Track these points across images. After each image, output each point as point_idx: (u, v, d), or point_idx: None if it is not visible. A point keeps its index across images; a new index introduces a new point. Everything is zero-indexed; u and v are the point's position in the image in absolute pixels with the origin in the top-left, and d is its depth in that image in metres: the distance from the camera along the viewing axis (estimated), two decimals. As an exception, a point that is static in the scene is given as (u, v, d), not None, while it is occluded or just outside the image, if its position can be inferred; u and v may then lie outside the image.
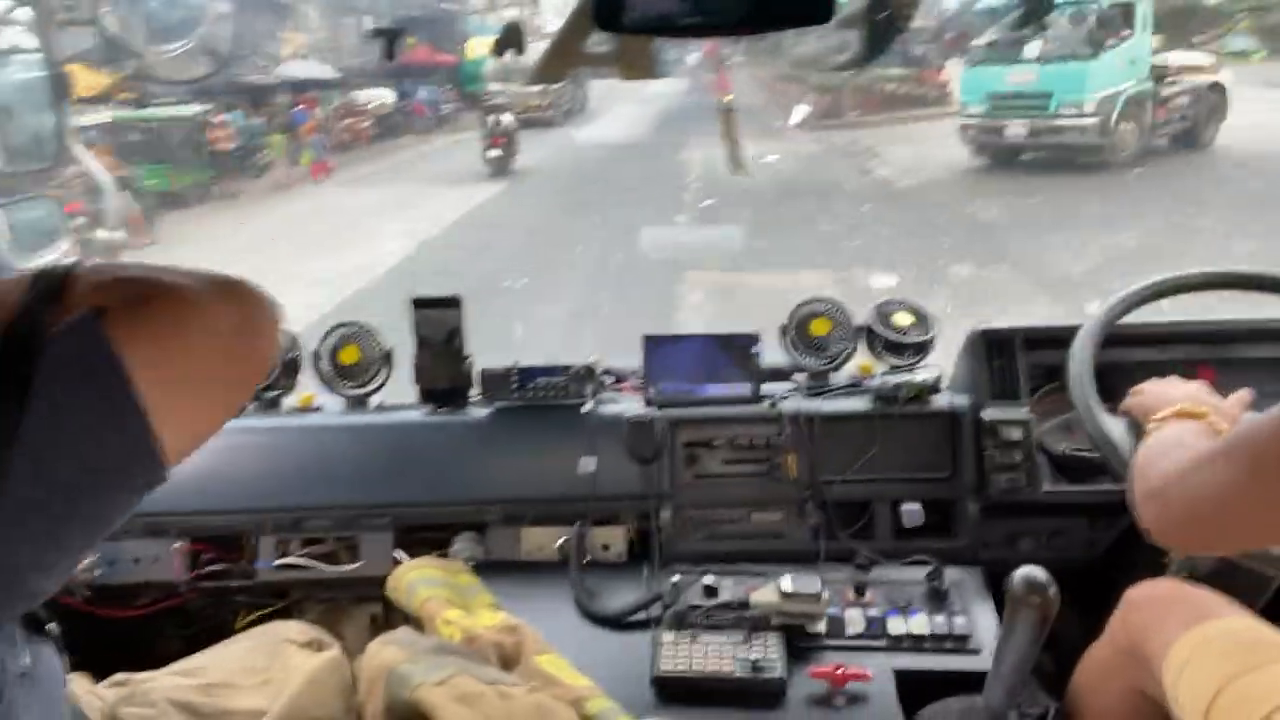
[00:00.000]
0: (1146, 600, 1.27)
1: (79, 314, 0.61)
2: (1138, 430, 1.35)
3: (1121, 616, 1.29)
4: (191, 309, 0.66)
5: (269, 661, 1.28)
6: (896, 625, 1.46)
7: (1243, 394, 1.32)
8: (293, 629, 1.39)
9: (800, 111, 16.67)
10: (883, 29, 1.26)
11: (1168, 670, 1.13)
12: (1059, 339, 1.53)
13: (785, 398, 1.75)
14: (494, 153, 13.42)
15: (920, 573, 1.56)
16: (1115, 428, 1.38)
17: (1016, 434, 1.65)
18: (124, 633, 1.79)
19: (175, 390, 0.64)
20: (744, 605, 1.45)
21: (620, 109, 22.13)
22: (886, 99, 16.85)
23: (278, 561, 1.75)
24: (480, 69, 19.92)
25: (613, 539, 1.72)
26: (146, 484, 0.64)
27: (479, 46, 21.24)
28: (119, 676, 1.18)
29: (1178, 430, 1.17)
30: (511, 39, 1.28)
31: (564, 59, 1.28)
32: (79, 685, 1.13)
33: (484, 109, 13.90)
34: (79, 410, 0.60)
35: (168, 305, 0.65)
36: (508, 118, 13.55)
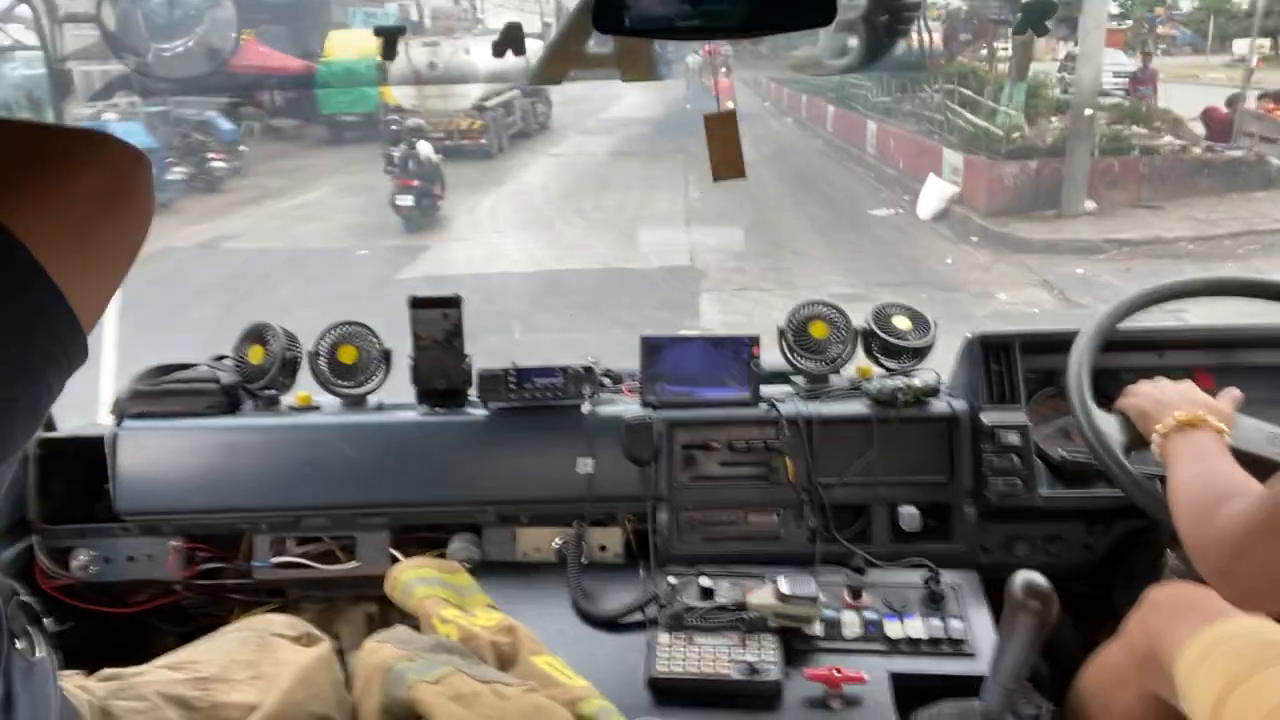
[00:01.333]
0: (1162, 601, 1.27)
1: None
2: (1132, 432, 1.35)
3: (1139, 617, 1.29)
4: (69, 168, 0.64)
5: (259, 655, 1.28)
6: (893, 628, 1.46)
7: (1232, 392, 1.34)
8: (281, 622, 1.39)
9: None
10: (882, 33, 1.26)
11: (1180, 670, 1.13)
12: (1057, 344, 1.53)
13: (783, 400, 1.75)
14: (405, 199, 9.91)
15: (917, 576, 1.56)
16: (1108, 425, 1.38)
17: (1014, 438, 1.65)
18: (119, 630, 1.79)
19: (70, 253, 0.62)
20: (741, 607, 1.45)
21: (599, 120, 18.87)
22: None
23: (274, 560, 1.75)
24: (357, 76, 13.96)
25: (610, 540, 1.72)
26: (69, 358, 0.62)
27: (348, 44, 14.06)
28: (108, 671, 1.18)
29: (1200, 453, 1.21)
30: (511, 39, 1.27)
31: (564, 60, 1.28)
32: (70, 680, 1.13)
33: (389, 136, 10.70)
34: None
35: (48, 168, 0.63)
36: (425, 148, 10.16)
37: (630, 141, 16.63)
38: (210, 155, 12.34)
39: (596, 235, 10.09)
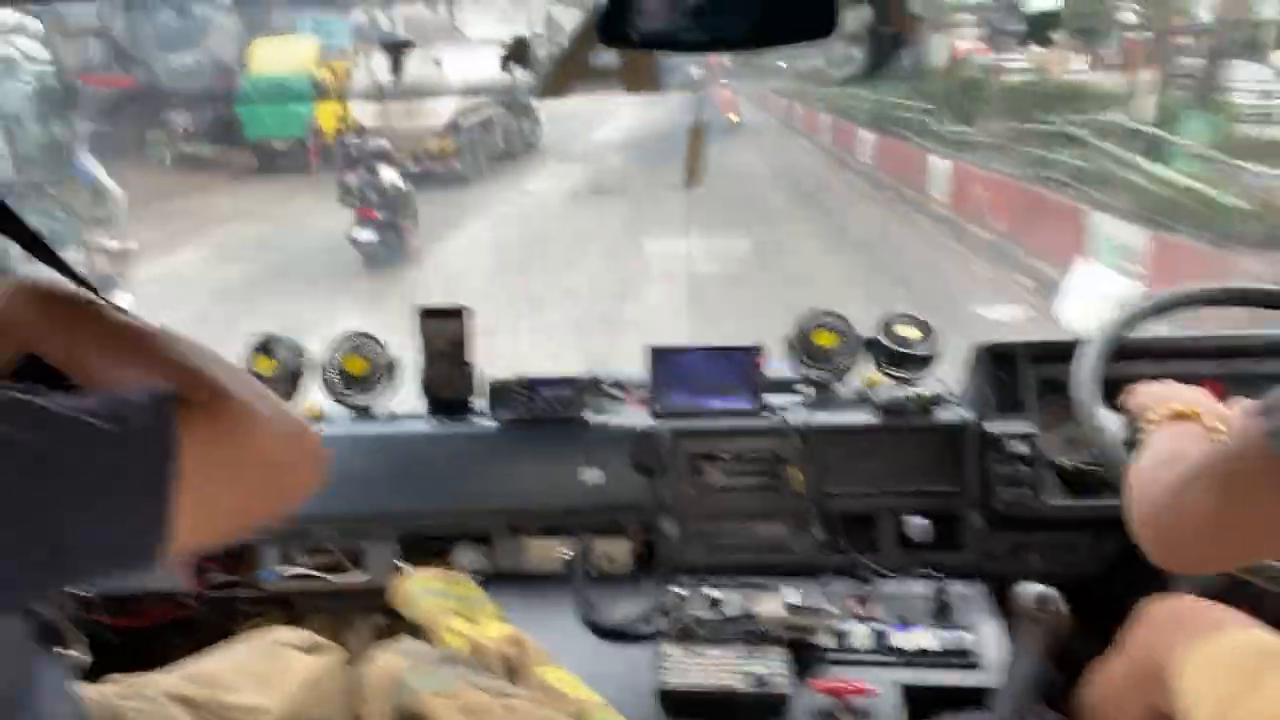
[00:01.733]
0: (1160, 615, 1.26)
1: (160, 392, 0.62)
2: (1134, 429, 1.34)
3: (1136, 631, 1.28)
4: (256, 434, 0.68)
5: (268, 664, 1.28)
6: (901, 639, 1.46)
7: (1244, 404, 1.32)
8: (291, 634, 1.39)
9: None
10: (886, 44, 1.27)
11: (1180, 683, 1.13)
12: (1064, 353, 1.53)
13: (790, 410, 1.75)
14: (365, 233, 8.54)
15: (925, 586, 1.55)
16: (1112, 425, 1.37)
17: (1022, 447, 1.64)
18: (129, 643, 1.80)
19: (207, 503, 0.64)
20: (748, 618, 1.45)
21: (591, 142, 17.34)
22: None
23: (282, 572, 1.76)
24: (287, 92, 12.36)
25: (617, 551, 1.72)
26: (127, 568, 0.63)
27: (279, 55, 12.59)
28: (115, 676, 1.18)
29: (1175, 436, 1.16)
30: (519, 53, 1.28)
31: (569, 73, 1.29)
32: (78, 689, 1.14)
33: (344, 160, 9.06)
34: (112, 481, 0.60)
35: (238, 422, 0.66)
36: (389, 174, 8.79)
37: (621, 172, 14.17)
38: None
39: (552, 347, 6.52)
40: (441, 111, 12.55)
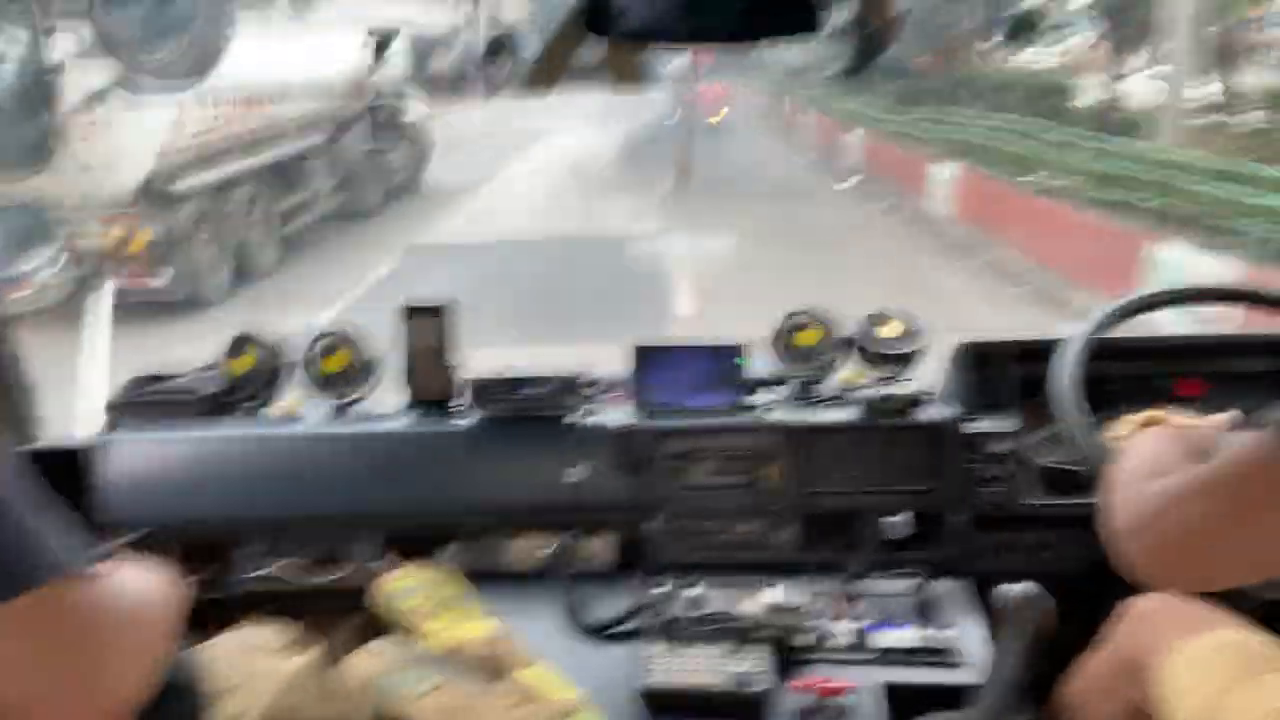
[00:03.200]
0: (1143, 612, 1.27)
1: None
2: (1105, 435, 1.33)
3: (1120, 628, 1.29)
4: None
5: (246, 664, 1.27)
6: (884, 638, 1.46)
7: (1232, 415, 1.31)
8: (268, 633, 1.38)
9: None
10: (872, 41, 1.26)
11: (1163, 682, 1.13)
12: (1046, 352, 1.53)
13: (773, 408, 1.75)
14: None
15: (908, 584, 1.55)
16: (1096, 431, 1.38)
17: (1004, 446, 1.65)
18: None
19: None
20: (730, 617, 1.45)
21: (518, 171, 13.15)
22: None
23: (262, 571, 1.74)
24: None
25: (600, 549, 1.71)
26: None
27: None
28: None
29: (1152, 441, 1.14)
30: (500, 48, 1.27)
31: (553, 69, 1.28)
32: None
33: None
34: None
35: None
36: None
37: (552, 247, 9.38)
38: None
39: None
40: (137, 156, 6.23)
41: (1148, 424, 1.21)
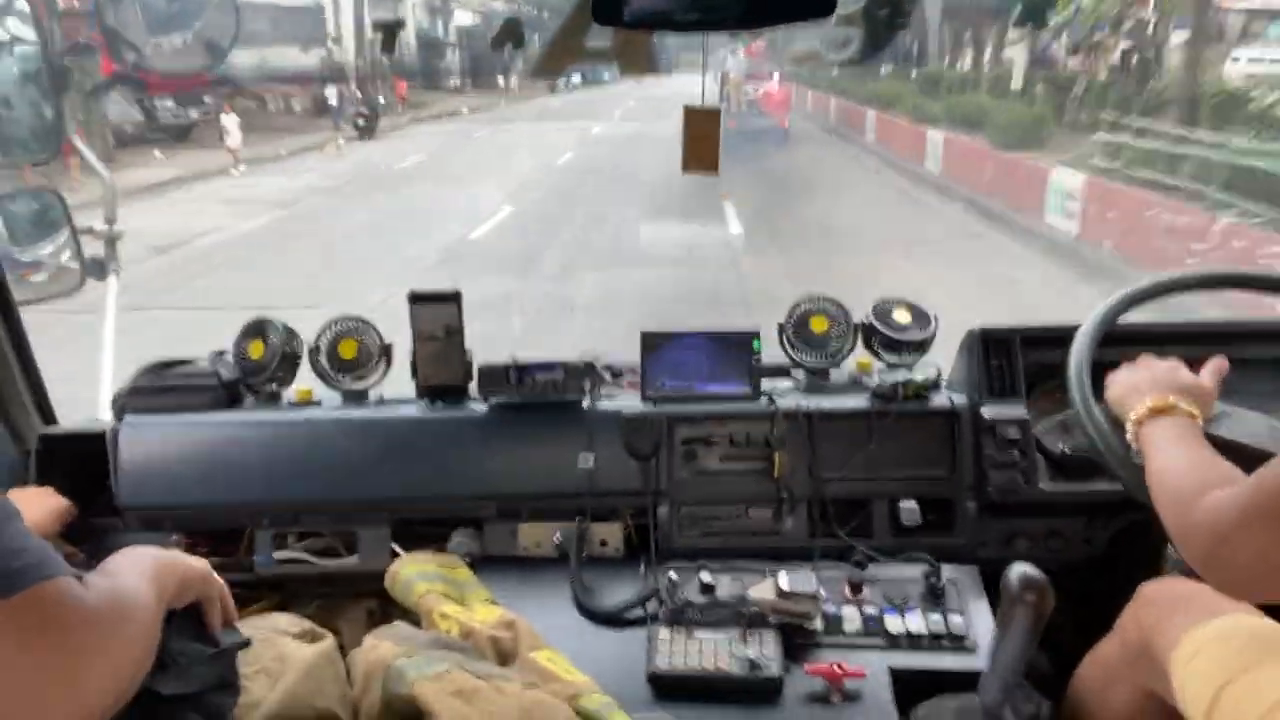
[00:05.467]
0: (1158, 597, 1.27)
1: None
2: (1119, 426, 1.34)
3: (1133, 613, 1.29)
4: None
5: (262, 651, 1.28)
6: (893, 623, 1.46)
7: (1218, 364, 1.34)
8: (285, 620, 1.39)
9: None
10: (883, 25, 1.26)
11: (1175, 666, 1.13)
12: (1058, 338, 1.53)
13: (783, 395, 1.75)
14: None
15: (917, 571, 1.56)
16: (1106, 417, 1.38)
17: (1014, 433, 1.65)
18: None
19: None
20: (741, 602, 1.45)
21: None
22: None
23: (275, 556, 1.75)
24: None
25: (610, 535, 1.72)
26: None
27: None
28: None
29: (1167, 434, 1.21)
30: (510, 34, 1.27)
31: (564, 54, 1.27)
32: None
33: None
34: None
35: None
36: None
37: None
38: None
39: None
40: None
41: (1159, 410, 1.22)
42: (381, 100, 23.76)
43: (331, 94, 21.53)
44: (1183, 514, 1.06)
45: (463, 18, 35.83)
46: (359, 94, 22.84)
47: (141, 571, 0.91)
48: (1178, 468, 1.14)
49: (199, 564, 1.05)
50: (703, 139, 1.50)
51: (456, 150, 19.50)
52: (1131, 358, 1.62)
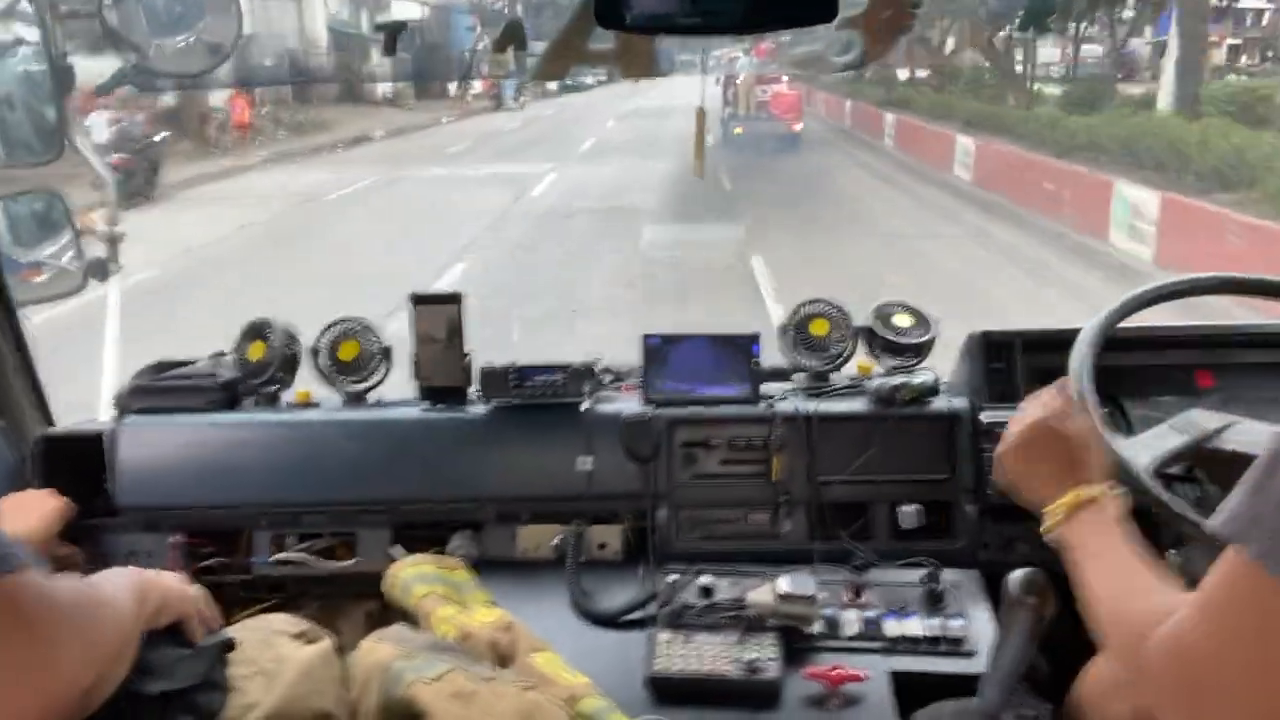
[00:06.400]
0: None
1: None
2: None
3: None
4: None
5: (260, 652, 1.28)
6: (893, 627, 1.46)
7: (1062, 386, 1.23)
8: (283, 621, 1.39)
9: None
10: (885, 30, 1.26)
11: None
12: (1058, 342, 1.53)
13: (784, 398, 1.75)
14: None
15: (917, 574, 1.55)
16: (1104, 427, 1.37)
17: None
18: None
19: None
20: (740, 606, 1.45)
21: None
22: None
23: (274, 557, 1.75)
24: None
25: (609, 538, 1.72)
26: None
27: None
28: None
29: (1092, 532, 1.08)
30: (513, 36, 1.27)
31: (566, 57, 1.28)
32: None
33: None
34: None
35: None
36: None
37: None
38: None
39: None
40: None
41: (1077, 505, 1.11)
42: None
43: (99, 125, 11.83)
44: (1132, 647, 0.89)
45: (407, 10, 26.70)
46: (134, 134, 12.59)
47: (121, 579, 0.94)
48: (1112, 573, 1.00)
49: (179, 584, 1.09)
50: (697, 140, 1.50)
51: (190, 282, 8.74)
52: (1133, 362, 1.62)
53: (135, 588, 0.96)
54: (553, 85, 32.07)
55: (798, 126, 17.25)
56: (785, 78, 17.75)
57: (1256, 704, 0.75)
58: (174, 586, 1.07)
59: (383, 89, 26.48)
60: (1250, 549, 0.72)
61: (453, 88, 28.33)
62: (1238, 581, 0.74)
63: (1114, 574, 1.00)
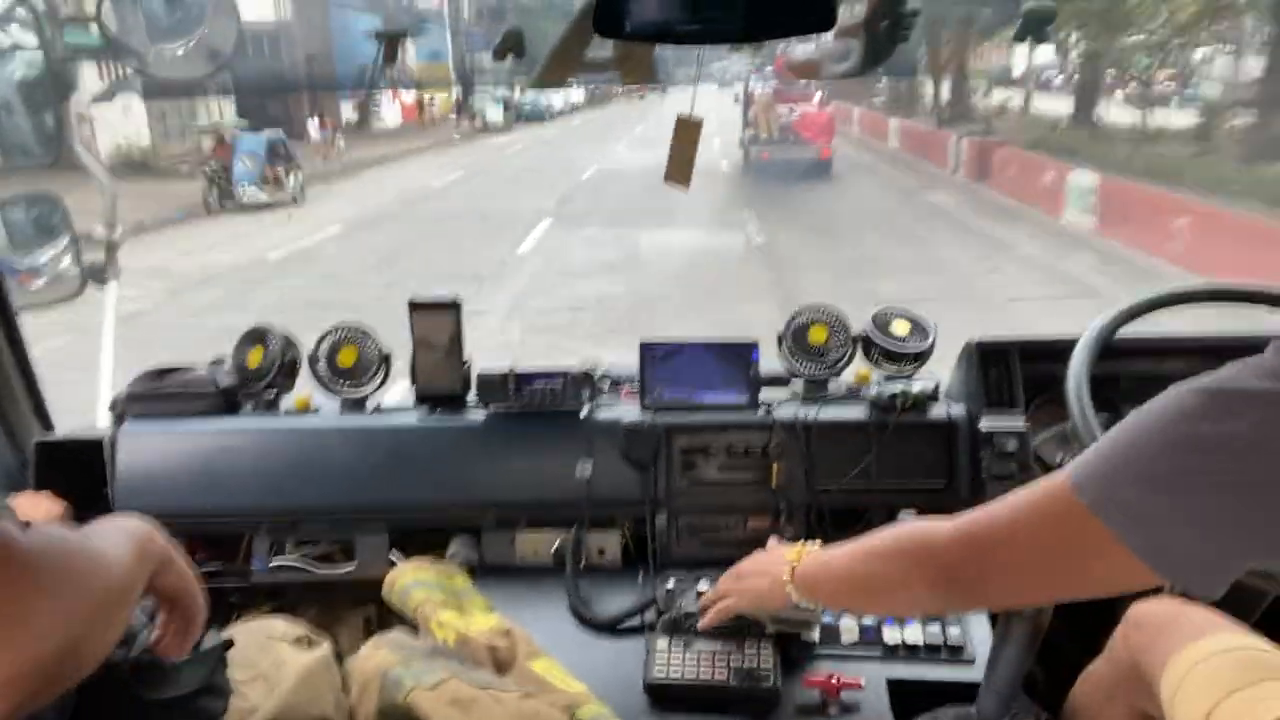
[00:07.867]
0: (1148, 617, 1.26)
1: None
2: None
3: (1123, 634, 1.28)
4: None
5: (259, 657, 1.28)
6: (891, 634, 1.46)
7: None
8: (282, 626, 1.39)
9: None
10: (883, 38, 1.26)
11: (1165, 688, 1.13)
12: (1056, 350, 1.53)
13: (782, 405, 1.75)
14: None
15: None
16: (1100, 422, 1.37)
17: (1012, 444, 1.65)
18: None
19: None
20: (738, 612, 1.45)
21: None
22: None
23: (273, 563, 1.75)
24: None
25: (608, 544, 1.72)
26: None
27: None
28: None
29: (816, 572, 1.21)
30: (512, 44, 1.28)
31: (565, 65, 1.28)
32: None
33: None
34: None
35: None
36: None
37: None
38: None
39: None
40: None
41: (793, 568, 1.24)
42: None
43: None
44: (921, 562, 1.11)
45: (259, 11, 20.45)
46: None
47: (119, 534, 0.91)
48: (850, 576, 1.14)
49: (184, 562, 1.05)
50: (684, 151, 1.51)
51: None
52: (1130, 369, 1.62)
53: (134, 541, 0.91)
54: (494, 116, 24.28)
55: (828, 152, 14.92)
56: (817, 95, 15.23)
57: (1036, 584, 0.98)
58: (179, 558, 1.03)
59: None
60: (1073, 475, 0.87)
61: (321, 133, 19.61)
62: (1054, 490, 0.91)
63: (850, 560, 1.13)
